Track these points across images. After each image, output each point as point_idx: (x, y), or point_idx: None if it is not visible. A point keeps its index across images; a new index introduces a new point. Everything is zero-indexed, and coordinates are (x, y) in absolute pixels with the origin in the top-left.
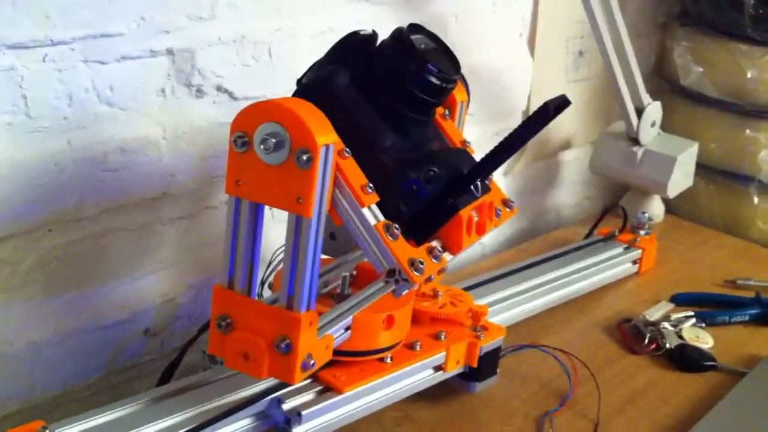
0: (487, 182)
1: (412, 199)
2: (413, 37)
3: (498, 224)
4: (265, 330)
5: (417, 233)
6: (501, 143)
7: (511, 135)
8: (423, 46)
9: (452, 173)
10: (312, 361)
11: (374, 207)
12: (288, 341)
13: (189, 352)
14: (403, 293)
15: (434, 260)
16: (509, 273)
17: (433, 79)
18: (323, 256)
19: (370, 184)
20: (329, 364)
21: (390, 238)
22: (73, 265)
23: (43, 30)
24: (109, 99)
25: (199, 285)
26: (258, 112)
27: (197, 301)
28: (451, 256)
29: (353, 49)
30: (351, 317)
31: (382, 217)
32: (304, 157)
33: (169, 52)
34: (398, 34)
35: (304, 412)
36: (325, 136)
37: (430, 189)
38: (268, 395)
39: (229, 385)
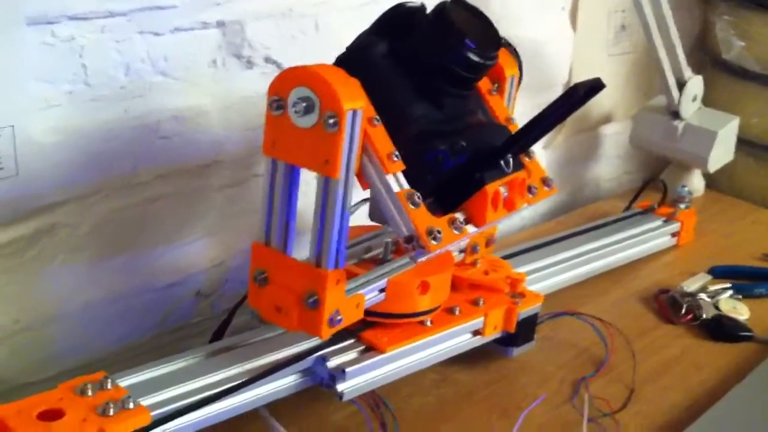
0: (521, 159)
1: (437, 170)
2: (455, 12)
3: (532, 201)
4: (295, 285)
5: (444, 203)
6: (529, 122)
7: (539, 115)
8: (464, 21)
9: (480, 148)
10: (339, 318)
11: (399, 175)
12: (316, 297)
13: (238, 313)
14: (420, 260)
15: (455, 231)
16: (548, 243)
17: (471, 56)
18: (371, 223)
19: (397, 153)
20: (372, 326)
21: (411, 205)
22: (127, 229)
23: (101, 2)
24: (163, 69)
25: (247, 250)
26: (292, 77)
27: (246, 265)
28: (474, 229)
29: (397, 20)
30: (385, 280)
31: (406, 185)
32: (331, 121)
33: (220, 24)
34: (439, 9)
35: (347, 370)
36: (353, 102)
37: (456, 161)
38: (314, 353)
39: (277, 344)
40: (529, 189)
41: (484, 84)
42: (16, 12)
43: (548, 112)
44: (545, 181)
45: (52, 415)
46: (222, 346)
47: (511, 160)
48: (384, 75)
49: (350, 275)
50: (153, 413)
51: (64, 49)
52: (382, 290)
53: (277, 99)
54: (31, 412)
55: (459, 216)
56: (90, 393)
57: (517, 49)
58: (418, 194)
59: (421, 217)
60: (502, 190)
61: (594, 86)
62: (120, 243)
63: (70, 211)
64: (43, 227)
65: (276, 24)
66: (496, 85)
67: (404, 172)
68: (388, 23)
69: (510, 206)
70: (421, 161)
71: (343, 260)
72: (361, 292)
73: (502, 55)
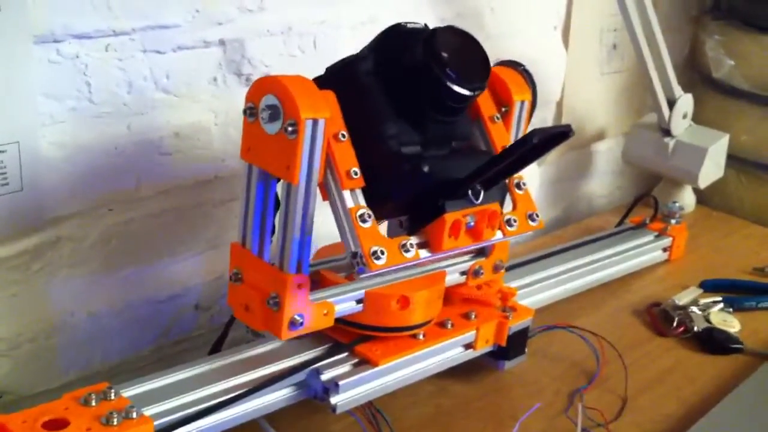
0: (510, 190)
1: (399, 191)
2: (444, 38)
3: (510, 234)
4: (263, 286)
5: (412, 223)
6: (491, 158)
7: (500, 154)
8: (453, 49)
9: (446, 175)
10: (302, 322)
11: (358, 192)
12: (277, 299)
13: (235, 328)
14: (362, 276)
15: (405, 253)
16: (542, 257)
17: (452, 86)
18: None
19: (355, 170)
20: (366, 339)
21: (360, 222)
22: (130, 243)
23: (105, 21)
24: (165, 86)
25: None
26: (263, 85)
27: None
28: (428, 254)
29: (393, 39)
30: (363, 292)
31: (362, 202)
32: (290, 128)
33: (221, 42)
34: (429, 34)
35: (341, 383)
36: (313, 112)
37: (418, 185)
38: (308, 366)
39: (274, 356)
40: (509, 222)
41: (487, 109)
42: (24, 31)
43: (507, 153)
44: (531, 216)
45: (56, 424)
46: (222, 357)
47: (481, 191)
48: (364, 91)
49: (329, 283)
50: (156, 423)
51: (68, 66)
52: (359, 301)
53: (251, 106)
54: (36, 421)
55: (412, 239)
56: (94, 403)
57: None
58: (369, 212)
59: (368, 236)
60: (469, 219)
61: (561, 132)
62: (123, 257)
63: (75, 225)
64: (47, 241)
65: (275, 42)
66: (504, 109)
67: (376, 188)
68: (383, 42)
69: (477, 237)
70: (385, 179)
71: (306, 265)
72: (330, 300)
73: (513, 79)
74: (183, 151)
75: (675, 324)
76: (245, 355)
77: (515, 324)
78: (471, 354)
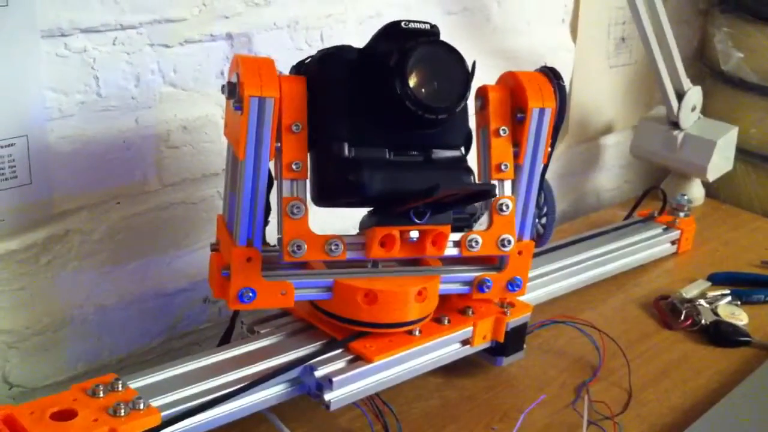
0: (452, 213)
1: (341, 193)
2: (423, 54)
3: (468, 254)
4: (225, 256)
5: (365, 219)
6: (424, 189)
7: (407, 194)
8: (427, 67)
9: (398, 186)
10: (250, 296)
11: (299, 183)
12: (228, 270)
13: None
14: (282, 262)
15: (328, 252)
16: (549, 250)
17: (411, 106)
18: None
19: (298, 163)
20: (360, 335)
21: (289, 214)
22: (138, 236)
23: (113, 15)
24: (172, 80)
25: None
26: (232, 64)
27: None
28: (355, 255)
29: (384, 39)
30: (332, 281)
31: (299, 194)
32: (237, 105)
33: (228, 36)
34: (408, 48)
35: (334, 379)
36: (258, 91)
37: (349, 192)
38: (303, 363)
39: (270, 352)
40: (470, 242)
41: (496, 120)
42: (31, 25)
43: (414, 197)
44: (503, 242)
45: (64, 415)
46: (224, 351)
47: (427, 213)
48: (331, 83)
49: (309, 267)
50: (163, 414)
51: (76, 60)
52: (328, 289)
53: (224, 84)
54: (44, 412)
55: (347, 240)
56: (102, 394)
57: (518, 61)
58: (299, 205)
59: (293, 228)
60: (412, 234)
61: (484, 191)
62: (131, 249)
63: (83, 218)
64: (56, 234)
65: (282, 36)
66: (519, 115)
67: (318, 182)
68: (377, 40)
69: (417, 251)
70: (330, 178)
71: (258, 241)
72: (291, 281)
73: (534, 85)
74: (191, 145)
75: (682, 317)
76: (246, 349)
77: (513, 320)
78: (468, 350)
